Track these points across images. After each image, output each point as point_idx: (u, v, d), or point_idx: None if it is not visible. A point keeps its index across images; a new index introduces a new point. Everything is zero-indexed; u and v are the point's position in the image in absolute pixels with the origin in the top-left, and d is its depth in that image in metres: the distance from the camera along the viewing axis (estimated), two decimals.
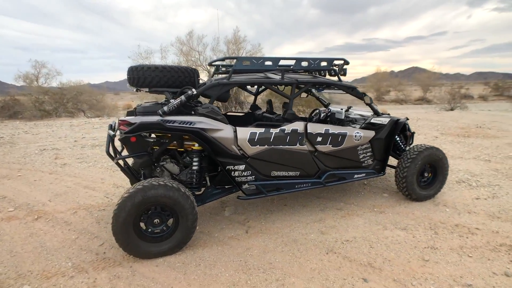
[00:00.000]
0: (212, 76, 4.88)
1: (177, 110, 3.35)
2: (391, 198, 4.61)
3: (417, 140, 7.98)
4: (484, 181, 5.19)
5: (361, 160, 4.30)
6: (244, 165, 3.59)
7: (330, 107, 5.62)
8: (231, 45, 17.90)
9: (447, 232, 3.61)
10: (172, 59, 20.54)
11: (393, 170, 4.93)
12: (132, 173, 3.80)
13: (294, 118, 3.93)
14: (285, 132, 3.71)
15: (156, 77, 3.49)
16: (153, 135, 3.54)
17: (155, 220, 3.13)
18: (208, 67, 16.91)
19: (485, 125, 10.52)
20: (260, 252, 3.26)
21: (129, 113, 3.67)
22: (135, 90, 3.78)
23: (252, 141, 3.56)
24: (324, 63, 4.19)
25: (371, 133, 4.32)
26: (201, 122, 3.34)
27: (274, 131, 3.66)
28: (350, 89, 4.37)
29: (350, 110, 5.55)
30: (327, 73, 4.63)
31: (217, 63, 4.85)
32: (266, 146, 3.63)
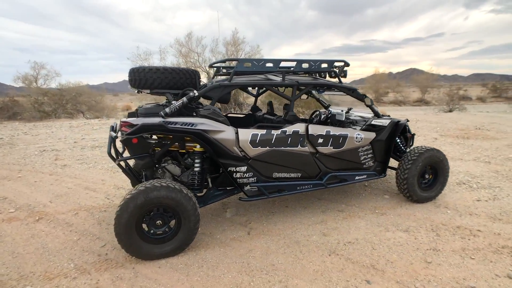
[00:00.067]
0: (213, 78, 4.88)
1: (179, 112, 3.35)
2: (392, 199, 4.62)
3: (417, 142, 8.00)
4: (484, 183, 5.20)
5: (362, 161, 4.31)
6: (246, 167, 3.59)
7: (330, 109, 5.63)
8: (230, 46, 17.91)
9: (449, 234, 3.62)
10: (171, 61, 20.53)
11: (393, 172, 4.94)
12: (133, 175, 3.80)
13: (295, 120, 3.94)
14: (287, 133, 3.72)
15: (158, 79, 3.49)
16: (154, 137, 3.54)
17: (158, 222, 3.13)
18: (208, 69, 16.92)
19: (484, 127, 10.55)
20: (263, 253, 3.26)
21: (131, 115, 3.67)
22: (136, 91, 3.78)
23: (253, 142, 3.56)
24: (324, 65, 4.20)
25: (372, 135, 4.33)
26: (202, 123, 3.34)
27: (275, 132, 3.66)
28: (351, 91, 4.37)
29: (350, 111, 5.56)
30: (327, 75, 4.64)
31: (217, 64, 4.86)
32: (267, 147, 3.63)
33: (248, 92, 5.36)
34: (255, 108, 5.46)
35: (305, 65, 4.10)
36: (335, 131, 4.02)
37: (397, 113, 16.46)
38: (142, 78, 3.46)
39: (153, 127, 3.19)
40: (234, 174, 3.55)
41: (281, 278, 2.85)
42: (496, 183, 5.21)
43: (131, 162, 4.02)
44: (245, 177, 3.61)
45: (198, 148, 3.52)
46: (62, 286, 2.75)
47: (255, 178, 3.66)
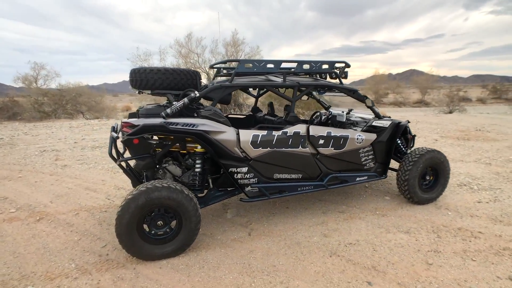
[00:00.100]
0: (214, 79, 4.88)
1: (180, 113, 3.35)
2: (393, 201, 4.62)
3: (417, 143, 8.01)
4: (485, 185, 5.20)
5: (363, 163, 4.31)
6: (247, 168, 3.59)
7: (331, 110, 5.63)
8: (230, 47, 17.92)
9: (450, 235, 3.62)
10: (171, 61, 20.55)
11: (394, 173, 4.94)
12: (134, 175, 3.80)
13: (296, 121, 3.94)
14: (288, 134, 3.72)
15: (159, 79, 3.49)
16: (155, 137, 3.54)
17: (159, 222, 3.13)
18: (208, 70, 16.93)
19: (485, 128, 10.55)
20: (264, 254, 3.26)
21: (131, 115, 3.67)
22: (137, 92, 3.78)
23: (254, 143, 3.56)
24: (325, 66, 4.20)
25: (372, 136, 4.33)
26: (204, 124, 3.34)
27: (276, 133, 3.66)
28: (352, 92, 4.37)
29: (351, 113, 5.56)
30: (328, 76, 4.63)
31: (218, 65, 4.85)
32: (268, 148, 3.63)
33: (248, 93, 5.36)
34: (255, 109, 5.46)
35: (306, 66, 4.10)
36: (336, 132, 4.02)
37: (397, 114, 16.47)
38: (143, 78, 3.47)
39: (154, 127, 3.19)
40: (235, 175, 3.55)
41: (282, 279, 2.85)
42: (497, 184, 5.21)
43: (132, 163, 4.02)
44: (246, 178, 3.61)
45: (199, 148, 3.52)
46: (64, 286, 2.75)
47: (256, 179, 3.66)
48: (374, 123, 4.58)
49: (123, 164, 3.62)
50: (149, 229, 3.13)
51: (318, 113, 5.70)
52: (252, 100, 16.71)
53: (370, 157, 4.35)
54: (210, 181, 3.83)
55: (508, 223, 3.89)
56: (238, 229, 3.84)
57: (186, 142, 3.50)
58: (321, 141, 3.91)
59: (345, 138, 4.07)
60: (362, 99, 4.38)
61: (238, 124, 4.27)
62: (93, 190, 5.16)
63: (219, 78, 4.80)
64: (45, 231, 3.79)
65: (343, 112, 5.22)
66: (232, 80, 3.69)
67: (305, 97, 5.72)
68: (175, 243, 3.17)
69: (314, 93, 5.39)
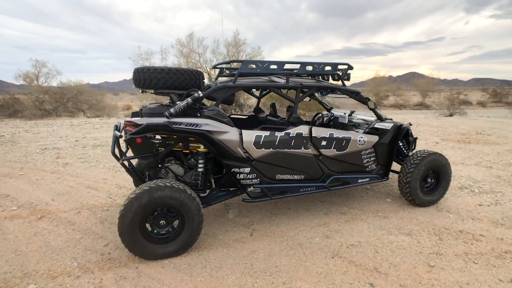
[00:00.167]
0: (216, 79, 4.89)
1: (183, 112, 3.35)
2: (394, 203, 4.62)
3: (418, 146, 7.99)
4: (486, 188, 5.20)
5: (365, 164, 4.32)
6: (249, 168, 3.59)
7: (333, 111, 5.63)
8: (231, 47, 17.96)
9: (452, 238, 3.62)
10: (172, 61, 20.57)
11: (395, 175, 4.94)
12: (136, 174, 3.81)
13: (299, 122, 3.94)
14: (290, 135, 3.72)
15: (162, 79, 3.50)
16: (158, 137, 3.54)
17: (161, 222, 3.13)
18: (209, 70, 16.95)
19: (485, 132, 10.56)
20: (266, 255, 3.26)
21: (134, 114, 3.68)
22: (140, 91, 3.79)
23: (257, 144, 3.56)
24: (328, 68, 4.20)
25: (374, 138, 4.34)
26: (207, 124, 3.34)
27: (279, 134, 3.67)
28: (354, 94, 4.38)
29: (353, 114, 5.56)
30: (330, 78, 4.63)
31: (221, 66, 4.86)
32: (271, 149, 3.64)
33: (251, 93, 5.36)
34: (257, 109, 5.47)
35: (309, 68, 4.11)
36: (338, 133, 4.02)
37: (398, 117, 16.48)
38: (147, 78, 3.47)
39: (157, 127, 3.20)
40: (238, 175, 3.55)
41: (284, 280, 2.85)
42: (498, 188, 5.22)
43: (134, 162, 4.02)
44: (249, 178, 3.61)
45: (202, 148, 3.52)
46: (66, 285, 2.75)
47: (258, 179, 3.66)
48: (376, 125, 4.58)
49: (126, 163, 3.62)
50: (152, 229, 3.13)
51: (320, 115, 5.71)
52: (252, 101, 16.79)
53: (372, 159, 4.35)
54: (212, 181, 3.83)
55: (509, 226, 3.90)
56: (240, 229, 3.84)
57: (189, 142, 3.51)
58: (324, 143, 3.92)
59: (347, 140, 4.07)
60: (364, 101, 4.39)
61: (240, 124, 4.27)
62: (94, 189, 5.17)
63: (221, 79, 4.81)
64: (46, 229, 3.79)
65: (345, 113, 5.23)
66: (235, 80, 3.69)
67: (307, 98, 5.73)
68: (178, 243, 3.17)
69: (316, 94, 5.40)
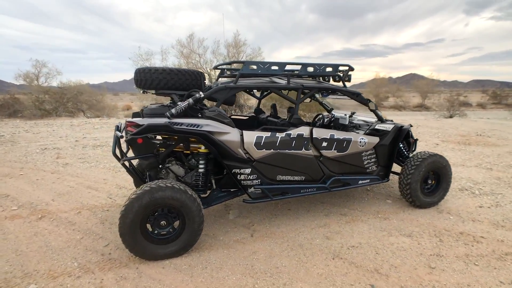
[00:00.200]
0: (217, 80, 4.89)
1: (184, 113, 3.35)
2: (395, 204, 4.62)
3: (418, 147, 8.01)
4: (486, 189, 5.20)
5: (366, 166, 4.32)
6: (250, 169, 3.59)
7: (333, 113, 5.64)
8: (232, 48, 17.97)
9: (452, 240, 3.62)
10: (172, 61, 20.58)
11: (395, 177, 4.94)
12: (137, 175, 3.81)
13: (299, 123, 3.94)
14: (291, 136, 3.72)
15: (163, 80, 3.50)
16: (159, 137, 3.54)
17: (162, 222, 3.13)
18: (209, 70, 16.95)
19: (485, 133, 10.57)
20: (266, 256, 3.26)
21: (135, 115, 3.68)
22: (141, 92, 3.79)
23: (258, 144, 3.56)
24: (329, 69, 4.20)
25: (375, 139, 4.34)
26: (208, 125, 3.34)
27: (280, 135, 3.67)
28: (355, 95, 4.38)
29: (353, 115, 5.57)
30: (331, 79, 4.63)
31: (222, 66, 4.86)
32: (272, 150, 3.64)
33: (252, 94, 5.36)
34: (258, 110, 5.47)
35: (310, 69, 4.11)
36: (339, 135, 4.03)
37: (398, 118, 16.48)
38: (148, 78, 3.47)
39: (159, 127, 3.19)
40: (238, 176, 3.55)
41: (285, 281, 2.85)
42: (498, 189, 5.22)
43: (134, 162, 4.02)
44: (249, 179, 3.61)
45: (202, 149, 3.52)
46: (66, 285, 2.75)
47: (259, 180, 3.66)
48: (377, 127, 4.59)
49: (127, 163, 3.62)
50: (152, 229, 3.13)
51: (321, 116, 5.71)
52: (252, 101, 16.80)
53: (373, 160, 4.35)
54: (213, 181, 3.83)
55: (510, 228, 3.90)
56: (241, 230, 3.84)
57: (190, 143, 3.51)
58: (324, 144, 3.92)
59: (348, 141, 4.07)
60: (365, 102, 4.39)
61: (240, 125, 4.28)
62: (94, 189, 5.16)
63: (221, 79, 4.81)
64: (47, 229, 3.79)
65: (345, 115, 5.23)
66: (236, 81, 3.69)
67: (307, 100, 5.73)
68: (178, 243, 3.17)
69: (316, 95, 5.40)
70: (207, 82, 4.77)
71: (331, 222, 4.04)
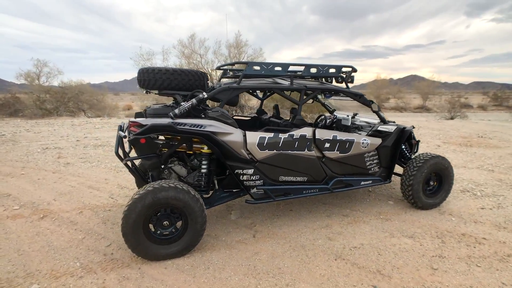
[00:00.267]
0: (219, 80, 4.89)
1: (187, 113, 3.36)
2: (396, 205, 4.62)
3: (420, 149, 8.00)
4: (488, 191, 5.20)
5: (368, 167, 4.31)
6: (253, 169, 3.59)
7: (335, 113, 5.63)
8: (233, 49, 17.96)
9: (454, 241, 3.62)
10: (173, 61, 20.59)
11: (397, 178, 4.93)
12: (139, 175, 3.81)
13: (302, 124, 3.94)
14: (294, 137, 3.72)
15: (167, 80, 3.50)
16: (161, 137, 3.54)
17: (165, 222, 3.13)
18: (210, 70, 16.95)
19: (487, 135, 10.57)
20: (269, 256, 3.26)
21: (138, 115, 3.68)
22: (144, 92, 3.79)
23: (261, 145, 3.56)
24: (332, 70, 4.21)
25: (378, 141, 4.34)
26: (211, 125, 3.34)
27: (283, 136, 3.67)
28: (358, 96, 4.38)
29: (356, 117, 5.57)
30: (334, 80, 4.63)
31: (225, 67, 4.86)
32: (274, 151, 3.64)
33: (255, 95, 5.36)
34: (260, 111, 5.47)
35: (313, 70, 4.11)
36: (341, 136, 4.03)
37: (399, 119, 16.46)
38: (151, 79, 3.48)
39: (162, 127, 3.19)
40: (241, 176, 3.55)
41: (288, 282, 2.84)
42: (500, 191, 5.22)
43: (137, 162, 4.02)
44: (252, 180, 3.61)
45: (205, 149, 3.52)
46: (69, 285, 2.75)
47: (261, 181, 3.66)
48: (379, 128, 4.59)
49: (129, 163, 3.62)
50: (155, 229, 3.13)
51: (323, 117, 5.71)
52: (253, 102, 16.80)
53: (375, 161, 4.35)
54: (215, 182, 3.83)
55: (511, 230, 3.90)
56: (243, 230, 3.84)
57: (192, 143, 3.51)
58: (327, 145, 3.92)
59: (351, 142, 4.07)
60: (368, 103, 4.40)
61: (242, 126, 4.28)
62: (96, 189, 5.16)
63: (224, 80, 4.81)
64: (49, 229, 3.79)
65: (348, 116, 5.23)
66: (240, 82, 3.69)
67: (309, 100, 5.73)
68: (181, 244, 3.17)
69: (319, 96, 5.40)
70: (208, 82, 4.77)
71: (333, 223, 4.04)
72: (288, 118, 5.21)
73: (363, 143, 4.17)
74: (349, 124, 5.07)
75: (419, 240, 3.62)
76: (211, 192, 3.82)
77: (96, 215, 4.19)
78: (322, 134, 3.90)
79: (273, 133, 3.64)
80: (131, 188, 5.18)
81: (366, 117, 5.56)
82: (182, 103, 3.38)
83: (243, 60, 16.06)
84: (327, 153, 3.95)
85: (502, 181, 5.75)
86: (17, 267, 2.99)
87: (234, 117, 5.03)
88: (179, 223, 3.22)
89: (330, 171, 4.04)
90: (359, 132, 4.87)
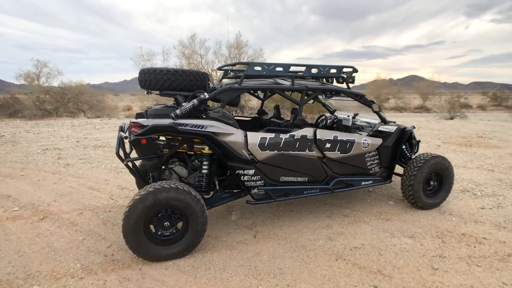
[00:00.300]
0: (220, 81, 4.89)
1: (188, 114, 3.35)
2: (397, 205, 4.62)
3: (420, 149, 8.01)
4: (488, 191, 5.21)
5: (369, 167, 4.32)
6: (254, 170, 3.59)
7: (336, 114, 5.64)
8: (233, 49, 17.96)
9: (455, 241, 3.62)
10: (174, 62, 20.59)
11: (397, 178, 4.93)
12: (140, 175, 3.80)
13: (303, 124, 3.94)
14: (295, 137, 3.72)
15: (168, 80, 3.50)
16: (162, 138, 3.54)
17: (165, 223, 3.12)
18: (210, 71, 16.95)
19: (486, 135, 10.58)
20: (269, 257, 3.25)
21: (139, 115, 3.67)
22: (146, 92, 3.79)
23: (262, 146, 3.56)
24: (333, 70, 4.21)
25: (378, 141, 4.34)
26: (212, 126, 3.34)
27: (284, 136, 3.67)
28: (359, 97, 4.39)
29: (356, 117, 5.57)
30: (334, 80, 4.64)
31: (226, 67, 4.86)
32: (276, 151, 3.64)
33: (256, 95, 5.36)
34: (261, 111, 5.47)
35: (314, 70, 4.12)
36: (342, 136, 4.03)
37: (399, 120, 16.46)
38: (153, 79, 3.47)
39: (163, 128, 3.19)
40: (242, 177, 3.55)
41: (289, 282, 2.84)
42: (500, 191, 5.22)
43: (137, 163, 4.02)
44: (253, 180, 3.61)
45: (206, 150, 3.52)
46: (70, 286, 2.74)
47: (262, 181, 3.66)
48: (380, 128, 4.59)
49: (130, 164, 3.62)
50: (156, 230, 3.13)
51: (324, 117, 5.71)
52: (253, 102, 16.80)
53: (376, 161, 4.35)
54: (216, 182, 3.83)
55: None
56: (243, 231, 3.84)
57: (193, 143, 3.50)
58: (328, 145, 3.92)
59: (352, 142, 4.08)
60: (369, 104, 4.40)
61: (243, 126, 4.29)
62: (96, 190, 5.16)
63: (225, 80, 4.81)
64: (49, 230, 3.78)
65: (349, 116, 5.23)
66: (241, 82, 3.69)
67: (310, 101, 5.73)
68: (181, 244, 3.17)
69: (320, 97, 5.40)
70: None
71: (334, 223, 4.04)
72: (289, 119, 5.21)
73: (363, 143, 4.17)
74: (350, 124, 5.08)
75: (419, 240, 3.62)
76: (212, 192, 3.82)
77: (96, 216, 4.18)
78: (323, 134, 3.90)
79: (274, 134, 3.64)
80: (132, 189, 5.17)
81: (367, 117, 5.57)
82: (183, 104, 3.38)
83: (244, 61, 16.08)
84: (328, 154, 3.95)
85: (502, 181, 5.76)
86: (17, 268, 2.99)
87: (235, 118, 5.03)
88: (180, 224, 3.21)
89: (331, 171, 4.04)
90: (359, 133, 4.88)
